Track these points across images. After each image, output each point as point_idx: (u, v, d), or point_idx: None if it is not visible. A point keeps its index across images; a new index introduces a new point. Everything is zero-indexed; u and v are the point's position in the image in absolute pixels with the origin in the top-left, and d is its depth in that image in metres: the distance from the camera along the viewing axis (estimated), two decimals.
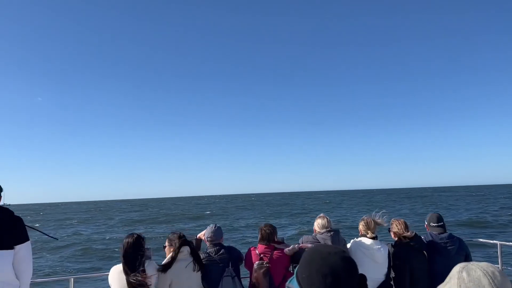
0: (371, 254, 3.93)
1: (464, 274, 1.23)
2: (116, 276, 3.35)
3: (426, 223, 4.40)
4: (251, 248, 4.08)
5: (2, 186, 3.23)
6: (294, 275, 1.30)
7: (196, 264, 3.63)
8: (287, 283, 1.30)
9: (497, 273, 1.22)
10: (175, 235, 3.73)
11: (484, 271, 1.21)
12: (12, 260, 2.98)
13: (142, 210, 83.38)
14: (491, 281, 1.18)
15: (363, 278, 1.22)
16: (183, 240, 3.67)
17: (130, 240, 3.37)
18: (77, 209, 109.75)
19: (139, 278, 3.24)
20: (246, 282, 4.10)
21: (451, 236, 4.19)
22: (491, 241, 5.52)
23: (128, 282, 3.24)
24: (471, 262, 1.28)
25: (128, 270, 3.27)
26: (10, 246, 2.98)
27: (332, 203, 76.72)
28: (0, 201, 3.21)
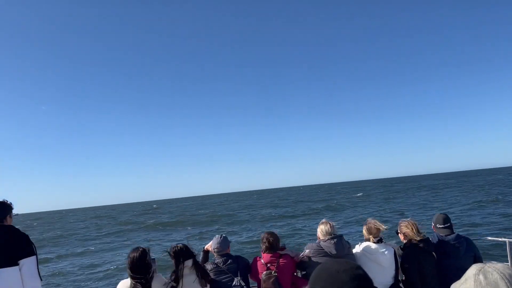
0: (376, 258, 3.91)
1: (481, 276, 1.19)
2: None
3: (432, 224, 4.35)
4: (256, 258, 4.04)
5: (12, 204, 3.25)
6: None
7: (203, 279, 3.63)
8: None
9: None
10: (177, 248, 3.71)
11: (502, 274, 1.17)
12: (19, 277, 2.98)
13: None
14: (509, 284, 1.14)
15: None
16: (184, 254, 3.65)
17: (136, 254, 3.37)
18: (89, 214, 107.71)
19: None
20: None
21: (458, 237, 4.13)
22: (500, 239, 5.42)
23: None
24: (488, 264, 1.24)
25: (136, 282, 3.27)
26: (15, 263, 2.98)
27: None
28: (11, 220, 3.22)
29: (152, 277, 3.36)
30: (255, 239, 22.32)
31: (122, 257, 22.57)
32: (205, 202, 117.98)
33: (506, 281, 1.15)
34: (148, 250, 3.48)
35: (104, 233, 40.62)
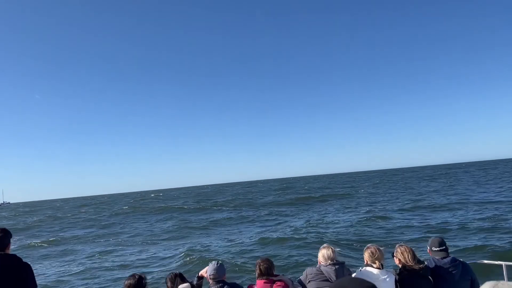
0: (378, 286, 3.85)
1: None
2: None
3: (428, 247, 4.35)
4: (250, 286, 4.02)
5: (11, 231, 3.24)
6: None
7: None
8: None
9: None
10: (171, 275, 3.78)
11: None
12: None
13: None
14: None
15: None
16: (180, 279, 3.73)
17: (132, 281, 3.36)
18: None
19: None
20: None
21: (454, 260, 4.13)
22: (496, 262, 5.40)
23: None
24: (501, 282, 1.28)
25: None
26: None
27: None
28: (9, 248, 3.20)
29: None
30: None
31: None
32: (200, 192, 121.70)
33: None
34: (144, 277, 3.49)
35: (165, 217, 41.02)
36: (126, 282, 3.37)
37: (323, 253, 4.03)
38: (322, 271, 3.88)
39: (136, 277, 3.41)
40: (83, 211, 67.30)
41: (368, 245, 4.15)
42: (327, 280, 3.80)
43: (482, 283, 4.84)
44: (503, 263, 5.00)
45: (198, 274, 4.16)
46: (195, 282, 4.08)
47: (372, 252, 4.02)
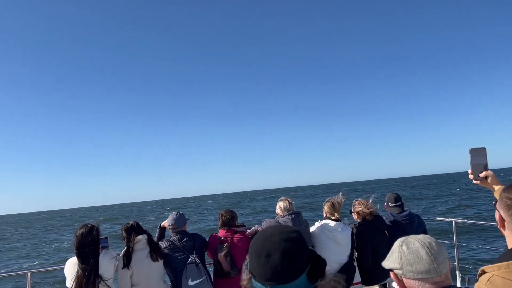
0: (334, 236, 3.98)
1: (404, 247, 1.36)
2: (72, 267, 3.27)
3: (385, 203, 4.52)
4: (213, 234, 4.08)
5: None
6: None
7: (154, 254, 3.59)
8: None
9: (433, 244, 1.35)
10: (129, 224, 3.69)
11: (422, 243, 1.34)
12: None
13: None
14: (427, 251, 1.32)
15: (317, 259, 1.12)
16: (135, 231, 3.63)
17: (84, 230, 3.27)
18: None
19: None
20: (211, 268, 4.06)
21: (410, 214, 4.36)
22: (446, 219, 5.80)
23: (80, 270, 3.16)
24: (411, 236, 1.41)
25: (80, 262, 3.18)
26: None
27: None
28: None
29: (98, 254, 3.27)
30: None
31: None
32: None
33: (426, 248, 1.32)
34: (98, 226, 3.39)
35: None
36: (77, 232, 3.26)
37: (280, 205, 4.10)
38: (279, 222, 3.93)
39: (89, 226, 3.31)
40: None
41: (328, 198, 4.23)
42: None
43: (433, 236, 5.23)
44: (453, 220, 5.40)
45: (160, 225, 4.14)
46: (157, 234, 4.07)
47: (331, 204, 4.12)
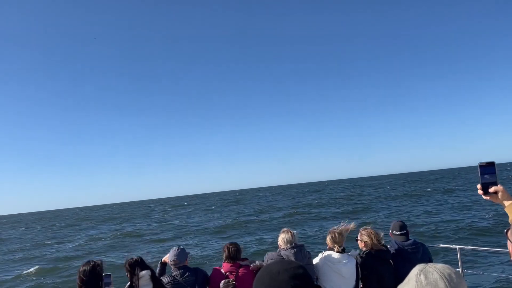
0: (338, 269, 3.92)
1: (422, 277, 1.26)
2: None
3: (390, 231, 4.47)
4: (216, 268, 4.02)
5: None
6: None
7: None
8: None
9: (453, 275, 1.25)
10: (132, 260, 3.66)
11: (441, 274, 1.24)
12: None
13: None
14: (447, 283, 1.21)
15: None
16: (139, 266, 3.59)
17: (86, 268, 3.25)
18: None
19: None
20: None
21: (415, 243, 4.29)
22: (451, 246, 5.74)
23: None
24: (429, 264, 1.30)
25: None
26: None
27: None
28: None
29: None
30: None
31: None
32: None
33: (445, 280, 1.22)
34: (101, 263, 3.37)
35: None
36: (80, 269, 3.25)
37: (283, 237, 4.01)
38: (281, 255, 3.86)
39: (91, 263, 3.29)
40: None
41: (330, 229, 4.17)
42: None
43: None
44: (457, 246, 5.34)
45: (161, 260, 4.10)
46: (158, 269, 4.01)
47: (332, 237, 4.07)
